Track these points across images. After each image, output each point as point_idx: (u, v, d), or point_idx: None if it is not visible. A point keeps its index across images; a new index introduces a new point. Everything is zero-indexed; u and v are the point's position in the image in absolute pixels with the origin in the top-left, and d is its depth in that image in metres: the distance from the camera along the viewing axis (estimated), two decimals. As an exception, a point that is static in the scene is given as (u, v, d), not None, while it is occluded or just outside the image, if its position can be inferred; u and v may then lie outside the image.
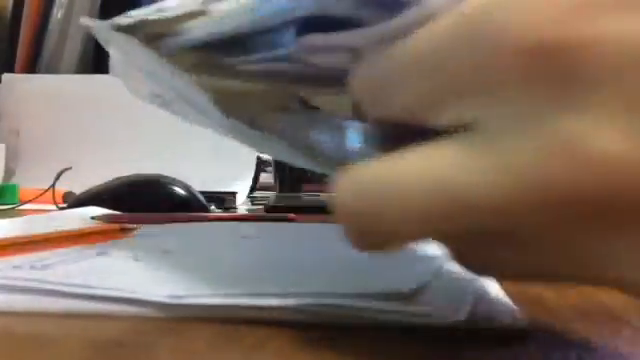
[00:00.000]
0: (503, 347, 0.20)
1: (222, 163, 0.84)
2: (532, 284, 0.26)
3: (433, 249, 0.33)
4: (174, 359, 0.19)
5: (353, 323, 0.22)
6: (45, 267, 0.28)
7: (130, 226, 0.43)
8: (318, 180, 0.75)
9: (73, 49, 0.87)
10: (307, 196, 0.78)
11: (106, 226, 0.43)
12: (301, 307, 0.22)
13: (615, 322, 0.24)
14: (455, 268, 0.27)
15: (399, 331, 0.21)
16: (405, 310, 0.21)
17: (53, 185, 0.68)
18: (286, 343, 0.20)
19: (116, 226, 0.44)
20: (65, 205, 0.66)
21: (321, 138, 0.26)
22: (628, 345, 0.21)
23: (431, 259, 0.28)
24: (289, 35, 0.22)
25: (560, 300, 0.27)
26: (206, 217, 0.56)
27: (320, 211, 0.65)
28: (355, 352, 0.20)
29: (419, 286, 0.23)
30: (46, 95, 0.84)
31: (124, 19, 0.34)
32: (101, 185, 0.64)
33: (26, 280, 0.25)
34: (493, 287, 0.26)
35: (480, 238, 0.16)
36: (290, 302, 0.22)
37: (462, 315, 0.21)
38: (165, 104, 0.37)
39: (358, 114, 0.22)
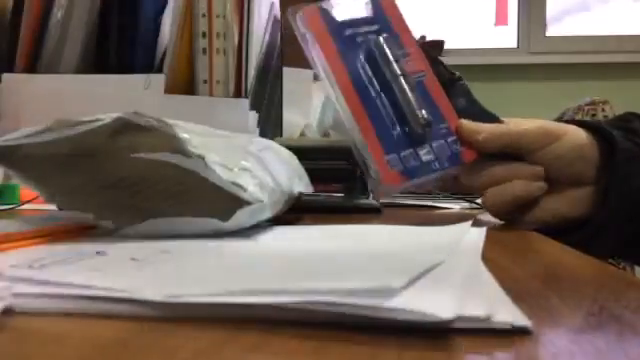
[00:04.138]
0: (503, 346, 0.20)
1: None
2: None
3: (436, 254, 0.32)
4: (174, 359, 0.19)
5: (353, 322, 0.21)
6: (43, 267, 0.28)
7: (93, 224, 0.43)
8: (323, 180, 0.75)
9: (73, 49, 0.87)
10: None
11: (70, 225, 0.43)
12: (292, 305, 0.21)
13: (616, 322, 0.24)
14: (447, 271, 0.27)
15: (398, 331, 0.21)
16: (389, 307, 0.21)
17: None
18: (286, 343, 0.20)
19: (80, 225, 0.44)
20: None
21: None
22: (628, 345, 0.21)
23: (425, 263, 0.28)
24: None
25: (561, 300, 0.27)
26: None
27: (327, 211, 0.65)
28: (355, 352, 0.20)
29: (409, 282, 0.23)
30: (46, 95, 0.83)
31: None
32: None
33: (24, 280, 0.25)
34: (493, 288, 0.26)
35: None
36: (282, 299, 0.22)
37: (448, 314, 0.20)
38: None
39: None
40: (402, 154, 0.56)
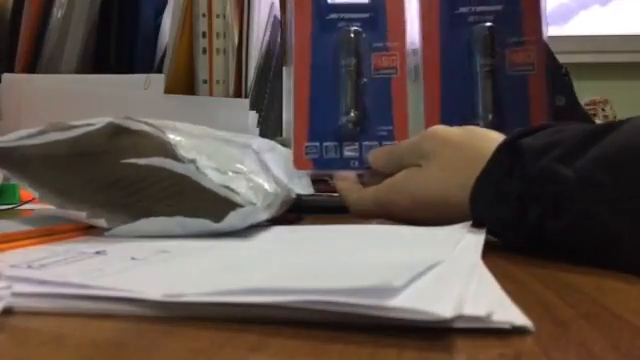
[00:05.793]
0: (503, 346, 0.20)
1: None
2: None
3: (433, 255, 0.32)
4: (174, 359, 0.19)
5: (353, 322, 0.21)
6: (42, 267, 0.28)
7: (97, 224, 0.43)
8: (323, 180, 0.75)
9: (73, 49, 0.87)
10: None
11: (70, 225, 0.43)
12: (292, 304, 0.21)
13: (616, 322, 0.24)
14: (447, 270, 0.27)
15: (398, 331, 0.21)
16: (389, 306, 0.21)
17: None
18: (286, 343, 0.20)
19: (79, 225, 0.44)
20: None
21: None
22: (629, 345, 0.21)
23: (425, 262, 0.28)
24: None
25: (561, 300, 0.27)
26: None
27: (327, 211, 0.65)
28: (355, 352, 0.20)
29: (409, 281, 0.23)
30: (46, 95, 0.83)
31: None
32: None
33: (24, 280, 0.25)
34: (493, 288, 0.26)
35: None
36: (282, 299, 0.22)
37: (448, 313, 0.20)
38: None
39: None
40: (325, 144, 0.58)
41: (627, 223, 0.34)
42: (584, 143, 0.38)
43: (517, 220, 0.40)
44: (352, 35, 0.59)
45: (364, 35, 0.59)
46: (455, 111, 0.58)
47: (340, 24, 0.60)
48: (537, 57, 0.57)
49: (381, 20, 0.60)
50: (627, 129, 0.37)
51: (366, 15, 0.60)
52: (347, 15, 0.60)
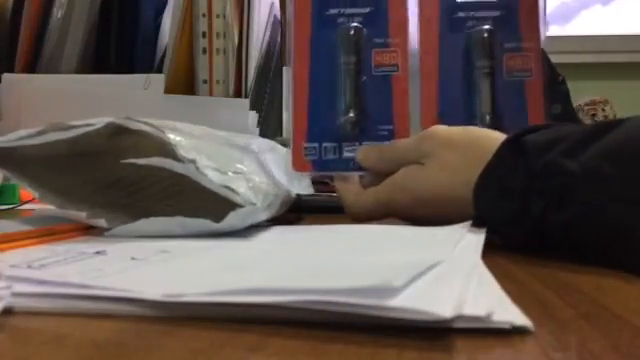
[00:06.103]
0: (503, 346, 0.20)
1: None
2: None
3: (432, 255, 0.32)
4: (174, 359, 0.19)
5: (353, 322, 0.21)
6: (42, 267, 0.28)
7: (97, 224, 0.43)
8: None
9: (73, 49, 0.87)
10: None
11: (70, 225, 0.43)
12: (292, 304, 0.21)
13: (616, 322, 0.24)
14: (447, 270, 0.27)
15: (398, 331, 0.21)
16: (389, 306, 0.21)
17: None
18: (286, 343, 0.20)
19: (79, 225, 0.44)
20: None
21: None
22: (629, 345, 0.21)
23: (425, 262, 0.28)
24: None
25: (561, 300, 0.27)
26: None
27: (327, 211, 0.65)
28: (355, 352, 0.20)
29: (409, 281, 0.23)
30: (46, 95, 0.83)
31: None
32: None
33: (24, 280, 0.25)
34: (493, 288, 0.26)
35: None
36: (282, 299, 0.22)
37: (448, 313, 0.20)
38: None
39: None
40: (324, 145, 0.57)
41: (632, 217, 0.34)
42: (587, 139, 0.39)
43: (520, 214, 0.41)
44: (352, 32, 0.59)
45: (365, 31, 0.59)
46: (452, 115, 0.58)
47: (340, 19, 0.59)
48: (535, 62, 0.57)
49: (382, 15, 0.59)
50: (629, 126, 0.38)
51: (367, 9, 0.59)
52: (348, 10, 0.59)
